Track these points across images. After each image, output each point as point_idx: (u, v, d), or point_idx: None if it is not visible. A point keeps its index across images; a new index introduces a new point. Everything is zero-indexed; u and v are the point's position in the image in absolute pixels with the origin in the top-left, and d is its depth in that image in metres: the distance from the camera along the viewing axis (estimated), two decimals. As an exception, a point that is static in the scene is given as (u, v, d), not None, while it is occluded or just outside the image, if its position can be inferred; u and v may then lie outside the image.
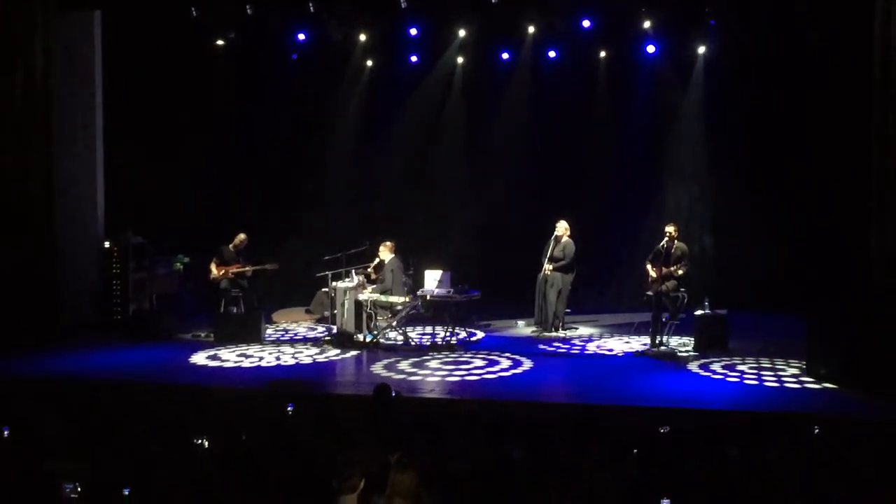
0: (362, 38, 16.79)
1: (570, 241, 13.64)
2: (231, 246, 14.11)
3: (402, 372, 11.25)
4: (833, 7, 13.87)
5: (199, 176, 16.69)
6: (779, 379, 10.76)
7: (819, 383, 10.50)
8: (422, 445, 6.77)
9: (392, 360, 11.94)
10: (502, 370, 11.39)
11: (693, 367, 11.44)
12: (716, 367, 11.37)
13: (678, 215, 14.99)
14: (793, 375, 10.90)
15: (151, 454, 6.58)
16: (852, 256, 12.58)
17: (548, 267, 13.52)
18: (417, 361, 11.81)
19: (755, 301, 15.06)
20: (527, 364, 11.70)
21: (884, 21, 11.62)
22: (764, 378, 10.77)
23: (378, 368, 11.49)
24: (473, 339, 13.46)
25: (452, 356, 12.15)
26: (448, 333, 12.90)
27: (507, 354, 12.23)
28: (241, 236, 14.18)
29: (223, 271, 13.95)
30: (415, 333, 13.61)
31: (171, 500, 5.84)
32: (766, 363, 11.57)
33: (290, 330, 14.47)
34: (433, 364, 11.67)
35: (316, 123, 17.33)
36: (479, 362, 11.78)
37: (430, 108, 17.35)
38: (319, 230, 16.47)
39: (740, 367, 11.29)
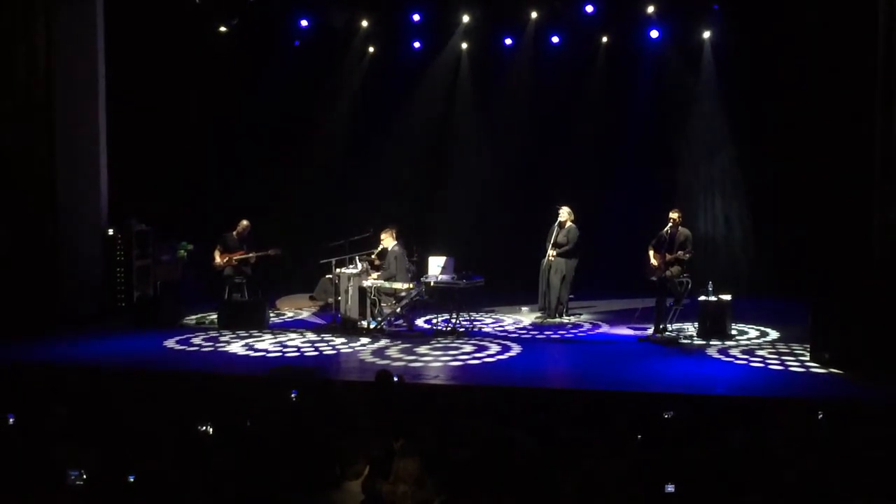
0: (364, 24, 16.76)
1: (574, 226, 13.64)
2: (234, 233, 14.13)
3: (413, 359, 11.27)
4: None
5: (202, 163, 16.70)
6: (785, 363, 10.78)
7: (823, 368, 10.49)
8: (425, 431, 6.77)
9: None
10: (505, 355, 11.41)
11: (697, 352, 11.44)
12: (720, 352, 11.37)
13: (680, 200, 14.94)
14: (797, 360, 10.90)
15: (156, 441, 6.59)
16: (854, 240, 12.57)
17: (551, 253, 13.51)
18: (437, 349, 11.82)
19: (759, 286, 15.08)
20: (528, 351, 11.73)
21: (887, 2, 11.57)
22: (769, 363, 10.77)
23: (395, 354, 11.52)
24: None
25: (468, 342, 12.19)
26: (453, 320, 12.92)
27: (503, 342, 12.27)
28: (244, 223, 14.19)
29: (226, 258, 13.96)
30: (421, 320, 13.60)
31: (176, 486, 5.85)
32: (771, 349, 11.59)
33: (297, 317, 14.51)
34: (431, 351, 11.69)
35: (319, 109, 17.31)
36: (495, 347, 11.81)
37: (433, 93, 17.34)
38: (323, 216, 16.48)
39: (743, 353, 11.30)
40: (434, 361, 11.07)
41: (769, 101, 15.25)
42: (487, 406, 8.62)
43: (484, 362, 11.07)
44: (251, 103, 16.79)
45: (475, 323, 13.39)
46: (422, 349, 11.72)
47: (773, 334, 12.42)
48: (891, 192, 11.45)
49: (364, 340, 12.32)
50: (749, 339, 12.14)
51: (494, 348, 11.77)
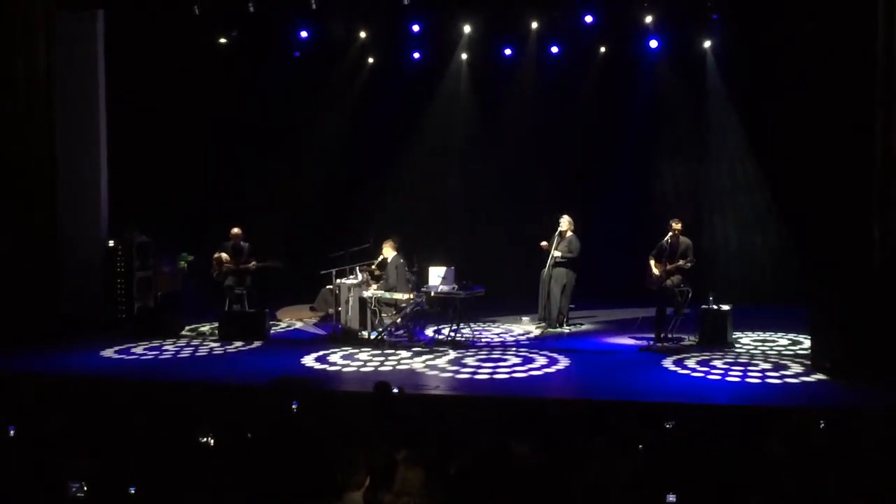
0: (364, 35, 16.78)
1: (574, 236, 13.62)
2: (230, 244, 14.07)
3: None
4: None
5: (203, 173, 16.71)
6: (783, 373, 10.75)
7: (824, 376, 10.47)
8: (427, 442, 6.76)
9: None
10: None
11: (695, 362, 11.42)
12: (718, 362, 11.34)
13: (681, 210, 14.93)
14: (798, 369, 10.89)
15: (157, 452, 6.58)
16: (854, 245, 12.58)
17: (556, 254, 13.46)
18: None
19: (759, 294, 15.10)
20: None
21: (887, 6, 11.57)
22: (769, 372, 10.76)
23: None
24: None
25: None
26: (453, 330, 12.90)
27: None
28: (234, 230, 14.12)
29: (227, 259, 13.92)
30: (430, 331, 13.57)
31: (177, 498, 5.84)
32: (770, 358, 11.60)
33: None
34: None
35: (318, 120, 17.33)
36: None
37: (433, 104, 17.35)
38: (323, 227, 16.47)
39: (742, 362, 11.28)
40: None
41: (768, 106, 15.28)
42: (489, 416, 8.62)
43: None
44: (251, 114, 16.80)
45: (476, 333, 13.37)
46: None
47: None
48: (891, 197, 11.44)
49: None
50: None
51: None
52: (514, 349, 12.40)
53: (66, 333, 13.23)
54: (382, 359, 11.86)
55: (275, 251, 14.53)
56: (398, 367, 11.47)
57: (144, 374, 11.19)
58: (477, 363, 11.53)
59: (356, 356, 12.02)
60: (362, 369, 11.36)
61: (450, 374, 10.99)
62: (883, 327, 10.32)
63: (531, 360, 11.65)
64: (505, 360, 11.71)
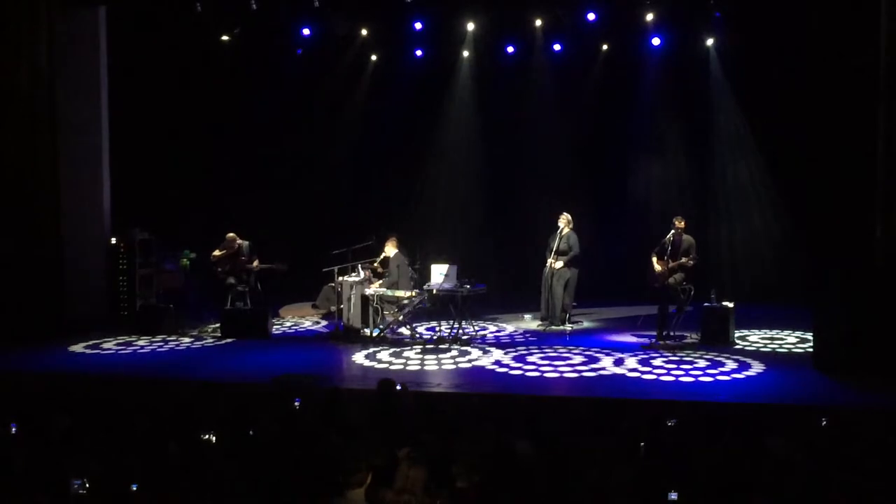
0: (366, 32, 16.78)
1: (574, 233, 13.62)
2: (233, 250, 14.06)
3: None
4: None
5: (205, 171, 16.72)
6: (785, 371, 10.74)
7: (826, 374, 10.46)
8: (430, 439, 6.75)
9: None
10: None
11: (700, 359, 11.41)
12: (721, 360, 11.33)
13: (684, 207, 14.92)
14: (800, 367, 10.89)
15: (159, 449, 6.58)
16: (857, 245, 12.57)
17: (556, 264, 13.48)
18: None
19: (762, 292, 15.09)
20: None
21: (890, 3, 11.56)
22: (772, 370, 10.75)
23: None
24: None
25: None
26: (456, 327, 12.90)
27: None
28: (229, 235, 14.10)
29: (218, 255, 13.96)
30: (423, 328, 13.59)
31: (179, 495, 5.84)
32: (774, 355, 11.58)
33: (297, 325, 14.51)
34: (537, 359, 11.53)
35: (321, 118, 17.33)
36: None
37: (435, 101, 17.35)
38: (325, 225, 16.48)
39: (749, 361, 11.28)
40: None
41: (771, 104, 15.28)
42: (491, 414, 8.60)
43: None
44: (253, 111, 16.81)
45: (479, 332, 13.38)
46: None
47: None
48: (894, 195, 11.43)
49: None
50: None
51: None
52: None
53: (69, 331, 13.25)
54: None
55: (277, 250, 14.54)
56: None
57: (146, 372, 11.18)
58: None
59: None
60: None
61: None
62: (885, 326, 10.31)
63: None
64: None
